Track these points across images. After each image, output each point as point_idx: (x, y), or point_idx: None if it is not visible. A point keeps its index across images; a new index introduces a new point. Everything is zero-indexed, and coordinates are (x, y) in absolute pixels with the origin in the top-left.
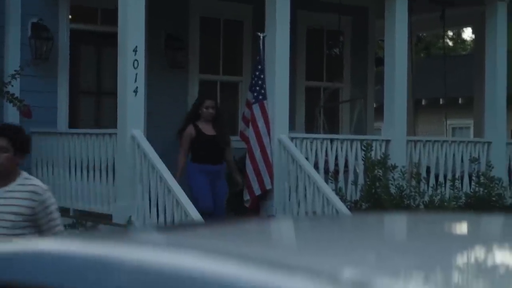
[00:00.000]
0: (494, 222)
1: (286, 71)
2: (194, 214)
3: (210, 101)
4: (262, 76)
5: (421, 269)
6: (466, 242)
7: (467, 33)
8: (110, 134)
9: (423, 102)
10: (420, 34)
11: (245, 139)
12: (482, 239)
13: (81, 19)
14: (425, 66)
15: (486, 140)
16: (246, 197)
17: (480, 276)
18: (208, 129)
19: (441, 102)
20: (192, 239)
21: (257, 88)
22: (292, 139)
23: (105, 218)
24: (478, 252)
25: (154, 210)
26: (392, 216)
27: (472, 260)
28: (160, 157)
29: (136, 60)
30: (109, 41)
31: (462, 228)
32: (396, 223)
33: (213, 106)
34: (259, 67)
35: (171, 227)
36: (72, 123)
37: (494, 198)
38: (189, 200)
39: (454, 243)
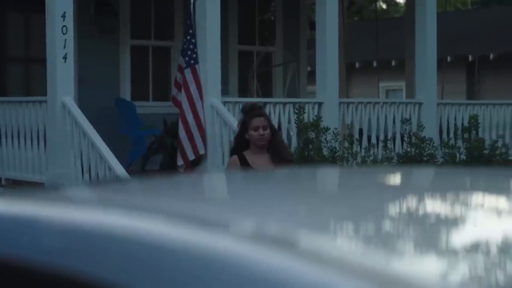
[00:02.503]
0: (422, 174)
1: (217, 35)
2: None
3: (258, 118)
4: (193, 40)
5: (349, 222)
6: (392, 194)
7: None
8: (40, 102)
9: (357, 65)
10: None
11: (178, 104)
12: (406, 191)
13: None
14: (359, 30)
15: (417, 101)
16: (180, 162)
17: (408, 226)
18: (261, 162)
19: (374, 65)
20: (120, 196)
21: (189, 52)
22: (225, 103)
23: (38, 187)
24: (405, 203)
25: (86, 176)
26: (320, 171)
27: (399, 210)
28: (92, 124)
29: (64, 26)
30: (37, 7)
31: (388, 180)
32: (326, 177)
33: (265, 126)
34: (190, 31)
35: (100, 183)
36: (1, 91)
37: (425, 158)
38: (121, 166)
39: (381, 194)
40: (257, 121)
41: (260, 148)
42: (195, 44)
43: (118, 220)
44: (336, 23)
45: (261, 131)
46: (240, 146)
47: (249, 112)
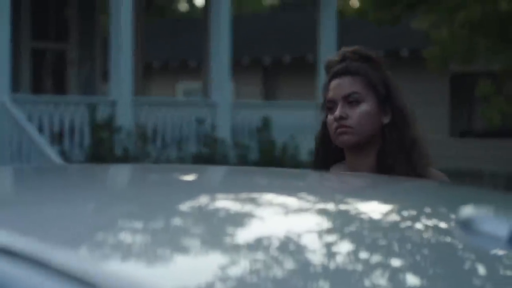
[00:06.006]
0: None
1: (6, 30)
2: None
3: (337, 81)
4: None
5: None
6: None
7: None
8: None
9: (155, 65)
10: None
11: None
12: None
13: None
14: (159, 30)
15: (212, 102)
16: None
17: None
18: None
19: (173, 65)
20: None
21: None
22: (14, 101)
23: None
24: (171, 204)
25: None
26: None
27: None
28: None
29: None
30: None
31: (159, 179)
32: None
33: (349, 94)
34: None
35: None
36: None
37: (218, 158)
38: None
39: (147, 195)
40: (334, 87)
41: (352, 150)
42: None
43: None
44: (130, 22)
45: (339, 111)
46: (330, 153)
47: (332, 69)
